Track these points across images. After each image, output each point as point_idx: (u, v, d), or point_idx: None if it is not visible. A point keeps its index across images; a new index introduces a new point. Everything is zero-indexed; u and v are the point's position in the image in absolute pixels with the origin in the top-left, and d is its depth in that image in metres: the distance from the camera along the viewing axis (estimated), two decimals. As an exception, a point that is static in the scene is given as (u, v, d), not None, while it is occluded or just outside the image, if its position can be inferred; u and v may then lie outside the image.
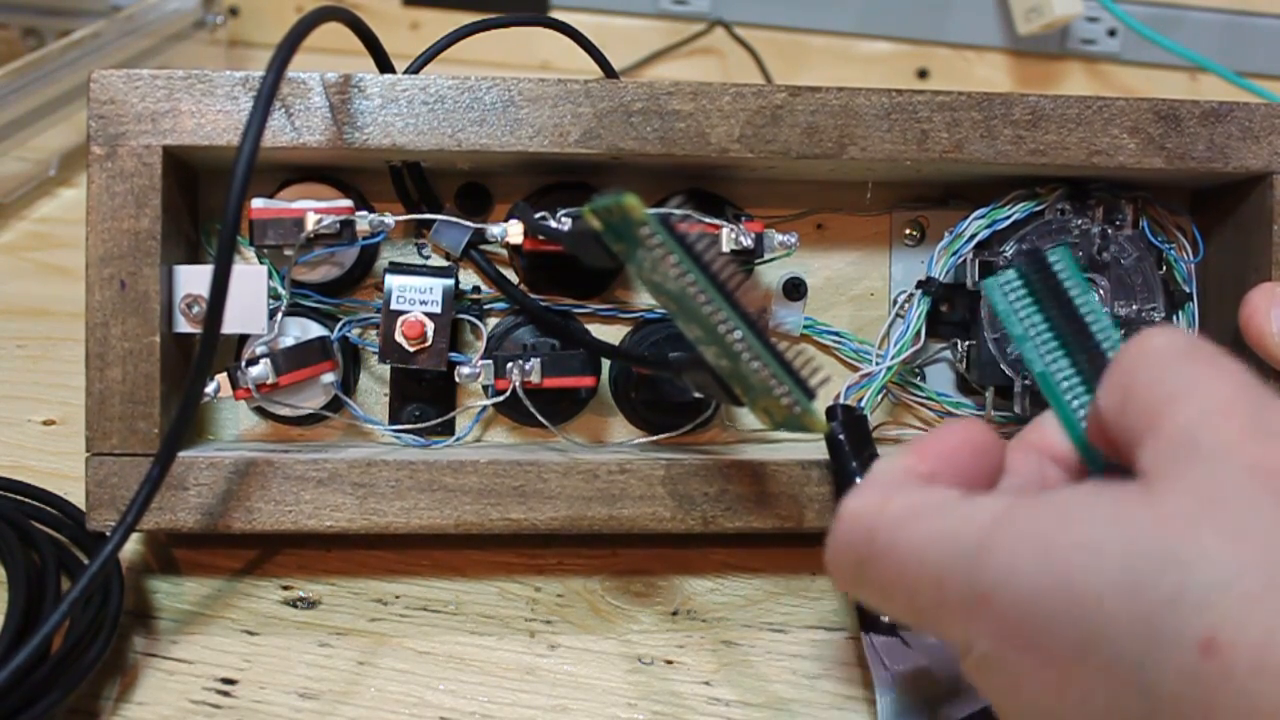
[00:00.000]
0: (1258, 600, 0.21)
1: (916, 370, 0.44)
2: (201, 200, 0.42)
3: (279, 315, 0.39)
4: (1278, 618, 0.21)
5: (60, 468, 0.44)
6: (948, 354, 0.44)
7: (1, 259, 0.57)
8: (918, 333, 0.42)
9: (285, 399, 0.40)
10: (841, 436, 0.38)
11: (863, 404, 0.40)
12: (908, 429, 0.45)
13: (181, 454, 0.38)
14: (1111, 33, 0.75)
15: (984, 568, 0.25)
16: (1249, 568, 0.22)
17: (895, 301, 0.44)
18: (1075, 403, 0.32)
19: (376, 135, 0.38)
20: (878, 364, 0.42)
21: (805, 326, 0.44)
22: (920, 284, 0.42)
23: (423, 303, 0.40)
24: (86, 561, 0.39)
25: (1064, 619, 0.23)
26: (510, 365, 0.39)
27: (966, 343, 0.43)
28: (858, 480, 0.37)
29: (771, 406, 0.34)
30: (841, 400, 0.40)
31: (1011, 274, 0.34)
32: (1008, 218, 0.42)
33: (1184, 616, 0.21)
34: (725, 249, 0.39)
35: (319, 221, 0.38)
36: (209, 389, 0.38)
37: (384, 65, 0.41)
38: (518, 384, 0.39)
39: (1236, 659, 0.20)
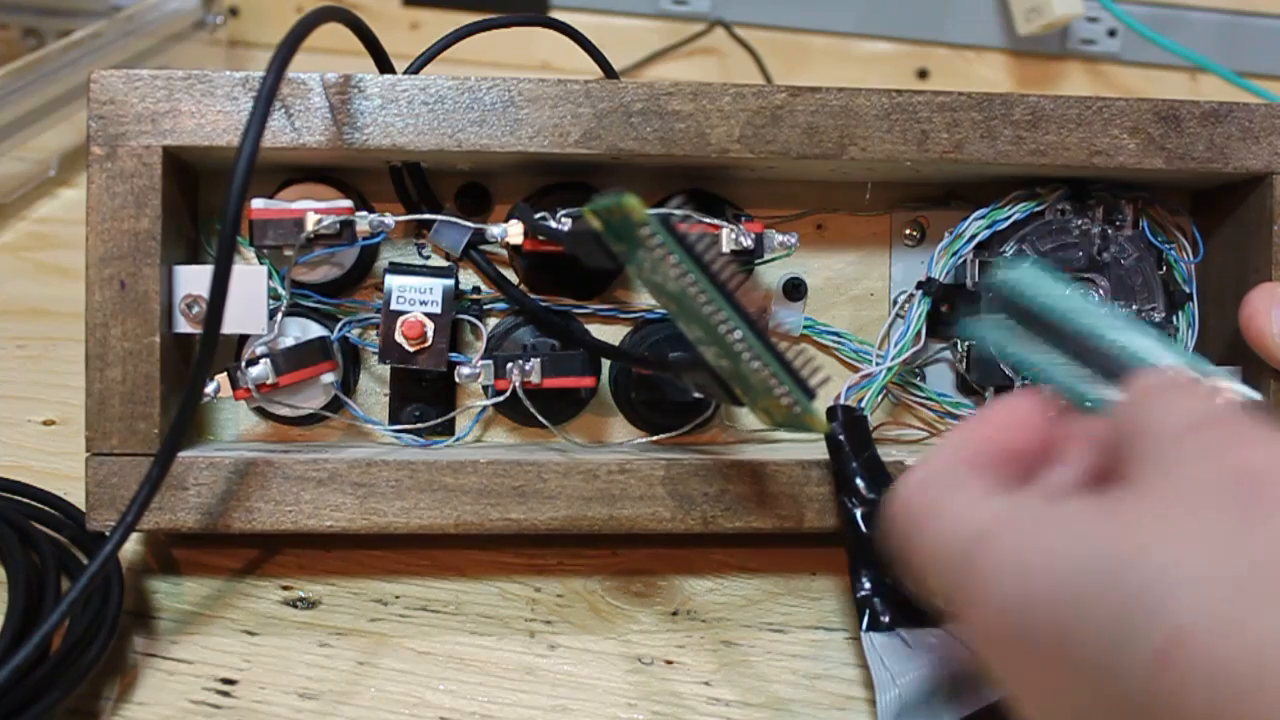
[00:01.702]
0: (1216, 601, 0.22)
1: (917, 370, 0.44)
2: (201, 200, 0.42)
3: (279, 315, 0.39)
4: (1238, 614, 0.21)
5: (60, 468, 0.44)
6: (948, 354, 0.44)
7: (1, 259, 0.57)
8: (918, 333, 0.42)
9: (285, 399, 0.40)
10: (841, 437, 0.38)
11: (863, 404, 0.40)
12: (907, 429, 0.45)
13: (181, 454, 0.37)
14: (1111, 33, 0.75)
15: (973, 571, 0.26)
16: (1207, 569, 0.22)
17: (895, 302, 0.44)
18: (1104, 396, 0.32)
19: (376, 136, 0.38)
20: (878, 364, 0.42)
21: (805, 326, 0.44)
22: (920, 284, 0.42)
23: (423, 303, 0.40)
24: (86, 562, 0.39)
25: (1042, 621, 0.24)
26: (510, 365, 0.39)
27: (966, 343, 0.43)
28: (858, 481, 0.38)
29: (772, 407, 0.34)
30: (842, 401, 0.40)
31: (1000, 317, 0.34)
32: (1008, 218, 0.42)
33: (1147, 616, 0.22)
34: (725, 249, 0.39)
35: (319, 222, 0.38)
36: (209, 389, 0.38)
37: (384, 65, 0.41)
38: (518, 384, 0.39)
39: (1195, 658, 0.21)
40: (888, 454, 0.39)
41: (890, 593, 0.37)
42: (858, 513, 0.37)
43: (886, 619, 0.36)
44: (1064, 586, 0.24)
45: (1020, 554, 0.25)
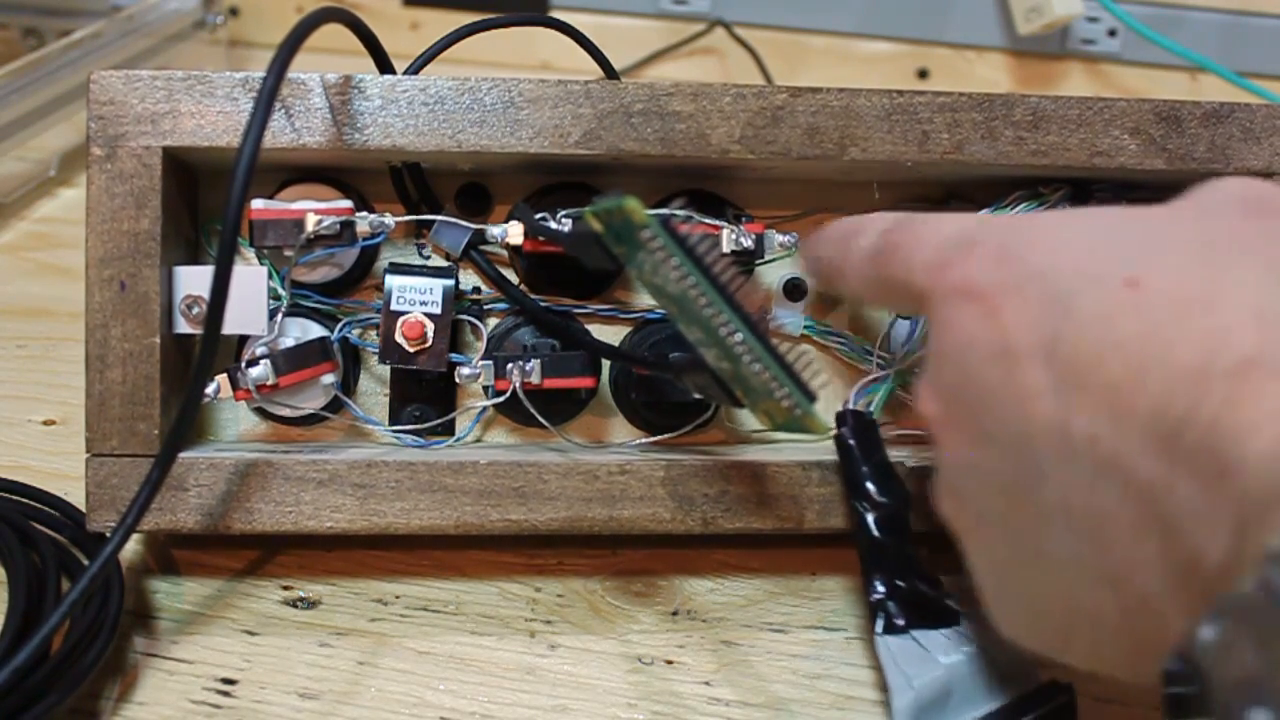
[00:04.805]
0: (1186, 254, 0.25)
1: (917, 369, 0.44)
2: (201, 201, 0.42)
3: (279, 316, 0.39)
4: (1199, 269, 0.24)
5: (60, 468, 0.44)
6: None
7: (1, 259, 0.57)
8: (925, 334, 0.42)
9: (285, 400, 0.40)
10: (851, 441, 0.38)
11: (871, 408, 0.40)
12: (910, 429, 0.44)
13: (181, 455, 0.38)
14: (1111, 33, 0.75)
15: (970, 250, 0.30)
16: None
17: (895, 302, 0.44)
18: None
19: (376, 136, 0.38)
20: (885, 367, 0.42)
21: (805, 327, 0.44)
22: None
23: (423, 303, 0.40)
24: (86, 562, 0.39)
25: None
26: (510, 366, 0.39)
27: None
28: (869, 485, 0.38)
29: (772, 409, 0.34)
30: (850, 405, 0.40)
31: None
32: (1008, 218, 0.42)
33: (1117, 260, 0.25)
34: (726, 250, 0.39)
35: (319, 222, 0.38)
36: (209, 390, 0.38)
37: (384, 66, 0.41)
38: (518, 385, 0.39)
39: (1153, 293, 0.24)
40: (892, 454, 0.39)
41: (904, 596, 0.37)
42: (870, 517, 0.37)
43: (901, 622, 0.36)
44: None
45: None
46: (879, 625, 0.36)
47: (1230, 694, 0.20)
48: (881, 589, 0.37)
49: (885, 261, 0.32)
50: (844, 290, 0.36)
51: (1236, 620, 0.20)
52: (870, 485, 0.38)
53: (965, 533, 0.30)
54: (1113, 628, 0.25)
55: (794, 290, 0.44)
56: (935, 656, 0.35)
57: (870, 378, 0.42)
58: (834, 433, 0.39)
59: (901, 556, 0.37)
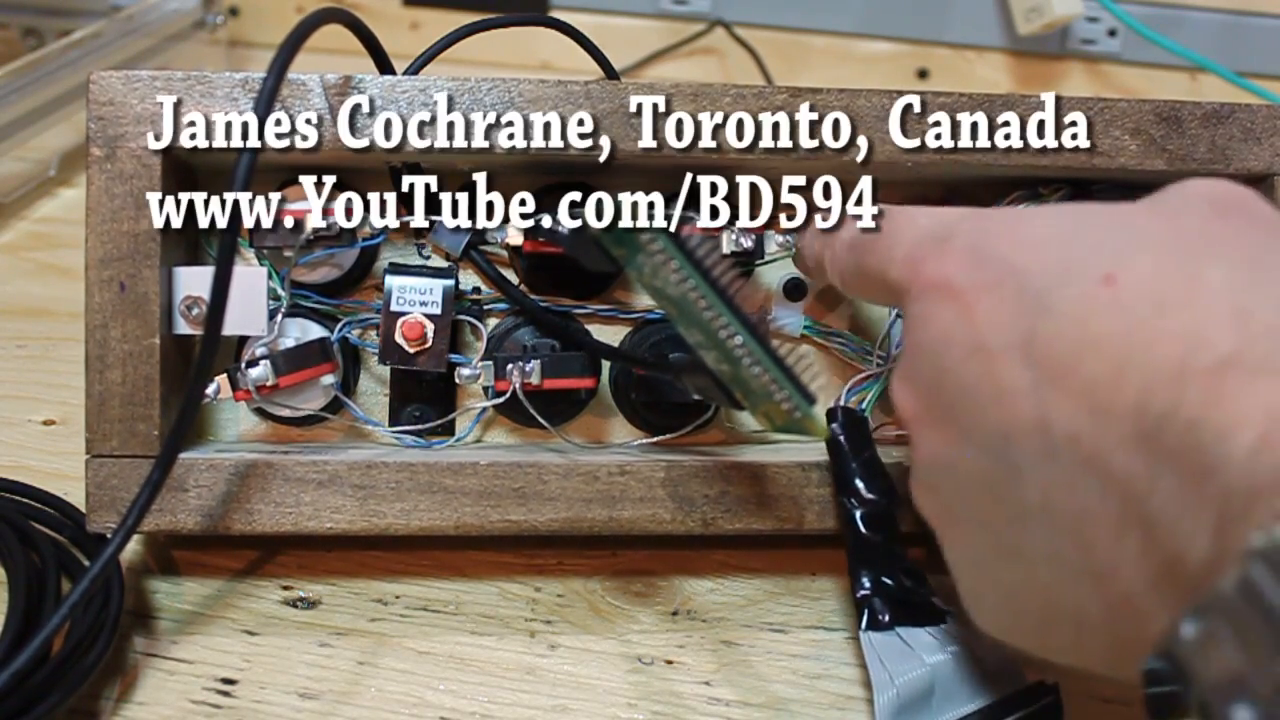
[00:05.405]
0: (1161, 252, 0.25)
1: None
2: (201, 201, 0.42)
3: (279, 316, 0.39)
4: (1174, 267, 0.24)
5: (60, 468, 0.44)
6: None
7: (1, 259, 0.57)
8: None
9: (285, 400, 0.40)
10: (842, 438, 0.38)
11: (863, 406, 0.40)
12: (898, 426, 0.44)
13: (181, 455, 0.38)
14: (1112, 33, 0.75)
15: (946, 245, 0.31)
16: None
17: (895, 302, 0.44)
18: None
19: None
20: (878, 365, 0.42)
21: (805, 327, 0.44)
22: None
23: (423, 304, 0.40)
24: (87, 563, 0.39)
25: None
26: (510, 366, 0.39)
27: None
28: (858, 482, 0.38)
29: (772, 411, 0.34)
30: (842, 402, 0.40)
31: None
32: (1008, 219, 0.42)
33: (1093, 258, 0.25)
34: (725, 251, 0.39)
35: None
36: (209, 390, 0.38)
37: (384, 66, 0.41)
38: (518, 385, 0.39)
39: (1130, 290, 0.24)
40: (887, 454, 0.39)
41: (890, 593, 0.37)
42: (858, 513, 0.37)
43: (886, 618, 0.36)
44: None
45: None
46: (864, 621, 0.36)
47: (1212, 692, 0.20)
48: (867, 585, 0.37)
49: (864, 253, 0.32)
50: (829, 281, 0.36)
51: (1217, 617, 0.20)
52: (859, 482, 0.38)
53: (942, 528, 0.30)
54: (1093, 624, 0.25)
55: (794, 290, 0.44)
56: (919, 654, 0.35)
57: (863, 375, 0.42)
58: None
59: (888, 553, 0.37)
